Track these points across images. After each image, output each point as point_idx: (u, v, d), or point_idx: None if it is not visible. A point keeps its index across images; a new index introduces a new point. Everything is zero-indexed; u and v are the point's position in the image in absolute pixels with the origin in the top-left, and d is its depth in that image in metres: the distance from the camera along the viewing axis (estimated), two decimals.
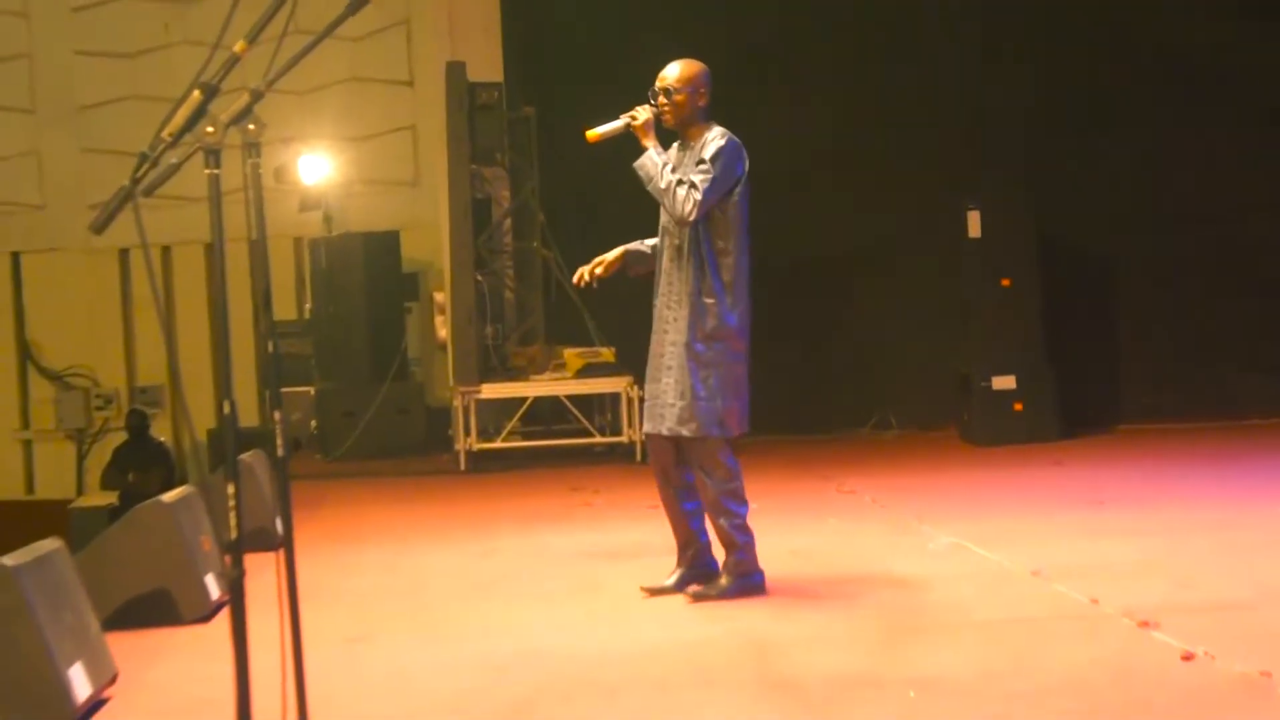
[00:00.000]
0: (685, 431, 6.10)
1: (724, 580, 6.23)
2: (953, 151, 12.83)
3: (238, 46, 3.41)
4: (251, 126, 3.52)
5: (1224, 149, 12.57)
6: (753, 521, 6.26)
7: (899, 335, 13.00)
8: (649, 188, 6.16)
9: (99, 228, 3.39)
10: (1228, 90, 12.51)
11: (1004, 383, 11.84)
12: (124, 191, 3.37)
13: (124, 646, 5.52)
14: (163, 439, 14.43)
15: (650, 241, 6.42)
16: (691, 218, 6.02)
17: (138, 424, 13.87)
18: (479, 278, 12.25)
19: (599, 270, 6.34)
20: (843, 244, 12.95)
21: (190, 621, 6.32)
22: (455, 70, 12.36)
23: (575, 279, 6.41)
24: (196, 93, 3.37)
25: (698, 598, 6.20)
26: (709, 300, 6.10)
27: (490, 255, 13.04)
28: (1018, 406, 11.83)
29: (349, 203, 14.87)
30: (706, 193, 6.00)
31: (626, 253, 6.40)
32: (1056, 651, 5.19)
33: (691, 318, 6.10)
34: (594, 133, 6.25)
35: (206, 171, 3.40)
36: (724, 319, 6.10)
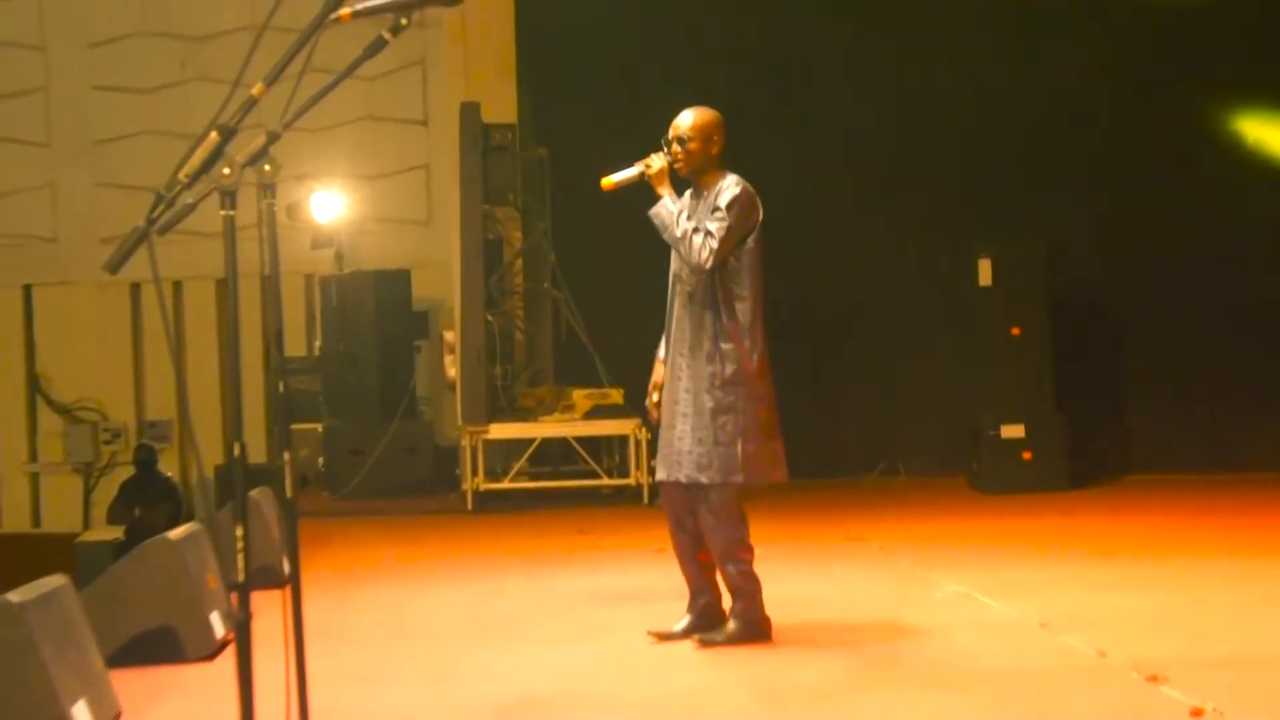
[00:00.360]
0: (704, 479, 6.06)
1: (731, 626, 6.19)
2: (964, 199, 12.86)
3: (255, 89, 3.42)
4: (267, 167, 3.52)
5: (1235, 204, 12.56)
6: (759, 567, 6.23)
7: (908, 382, 13.01)
8: (664, 236, 6.15)
9: (113, 267, 3.40)
10: (1245, 146, 12.51)
11: (1013, 431, 11.82)
12: (139, 231, 3.38)
13: (128, 684, 5.50)
14: (170, 474, 14.42)
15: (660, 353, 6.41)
16: (708, 266, 6.01)
17: (145, 459, 13.85)
18: (489, 318, 12.27)
19: (658, 396, 6.31)
20: (853, 290, 12.99)
21: (194, 659, 6.29)
22: (470, 111, 12.42)
23: (655, 418, 6.35)
24: (214, 134, 3.38)
25: (705, 643, 6.17)
26: (726, 345, 6.07)
27: (501, 295, 13.06)
28: (1027, 455, 11.81)
29: (361, 240, 14.91)
30: (723, 241, 5.99)
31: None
32: (1064, 704, 5.16)
33: (709, 364, 6.07)
34: (609, 181, 6.24)
35: (222, 213, 3.41)
36: (742, 364, 6.07)
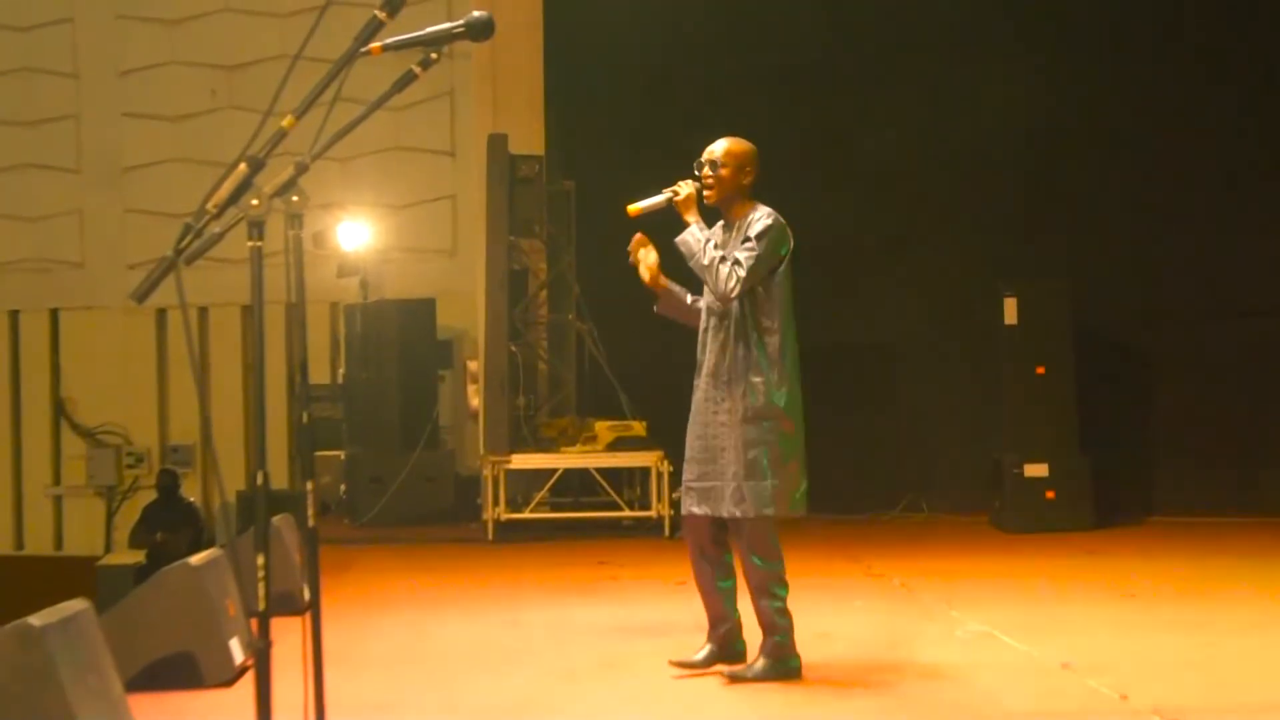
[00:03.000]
0: (739, 512, 6.03)
1: (761, 663, 6.15)
2: (991, 238, 12.86)
3: (286, 122, 3.44)
4: (295, 198, 3.54)
5: (1266, 244, 12.52)
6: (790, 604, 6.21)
7: (932, 419, 13.00)
8: (691, 263, 6.15)
9: (140, 297, 3.41)
10: (1272, 185, 12.48)
11: (1036, 470, 11.78)
12: (166, 261, 3.40)
13: (146, 709, 5.50)
14: (192, 499, 14.46)
15: (691, 297, 6.40)
16: (734, 295, 6.01)
17: (167, 484, 13.90)
18: (513, 348, 12.29)
19: (650, 258, 6.29)
20: (878, 327, 12.99)
21: (213, 685, 6.29)
22: (497, 142, 12.46)
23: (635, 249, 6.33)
24: (243, 165, 3.40)
25: (734, 678, 6.13)
26: (756, 379, 6.05)
27: (525, 326, 13.08)
28: (1050, 494, 11.76)
29: (386, 269, 14.96)
30: (750, 270, 5.99)
31: (671, 288, 6.37)
32: None
33: (739, 396, 6.06)
34: (635, 207, 6.23)
35: (249, 244, 3.43)
36: (771, 397, 6.06)
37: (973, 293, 12.45)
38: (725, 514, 6.07)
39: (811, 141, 12.98)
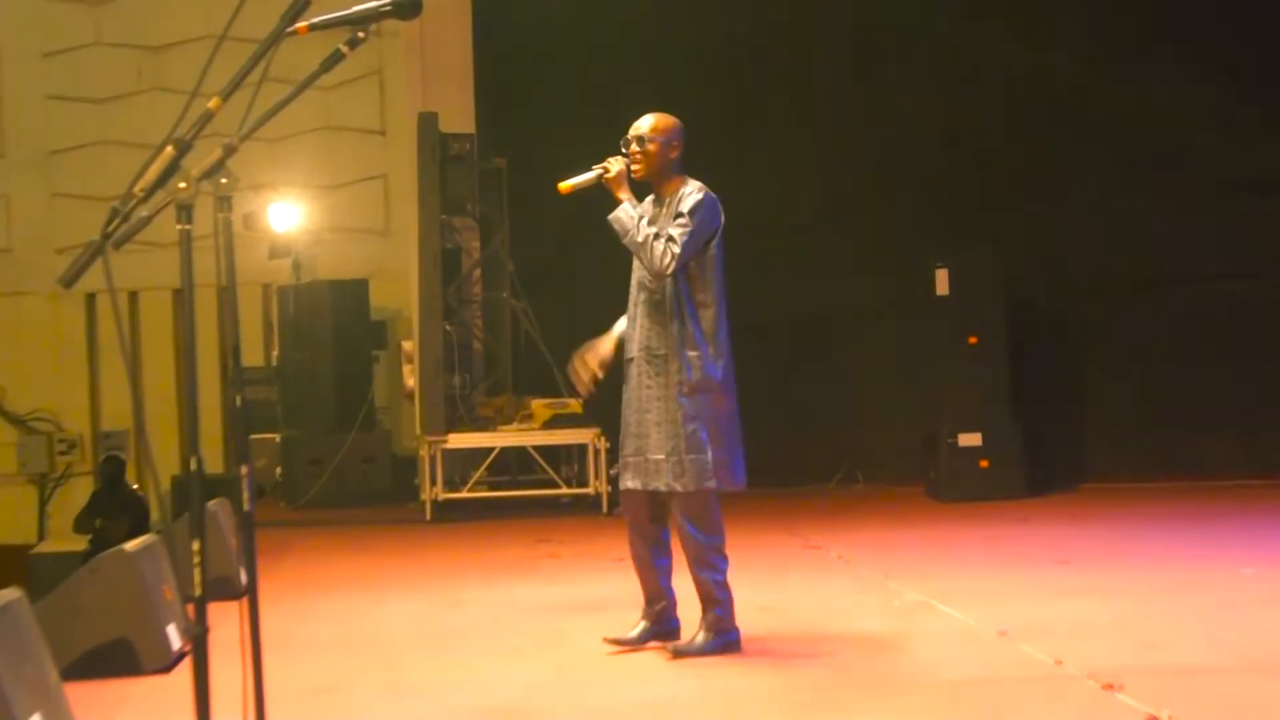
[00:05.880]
0: (679, 486, 6.03)
1: (702, 637, 6.17)
2: (921, 210, 12.94)
3: (212, 103, 3.41)
4: (224, 180, 3.51)
5: (1190, 214, 12.67)
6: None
7: (866, 391, 13.08)
8: (624, 241, 6.13)
9: (68, 282, 3.38)
10: (1197, 157, 12.62)
11: (970, 440, 11.87)
12: (94, 246, 3.36)
13: (83, 697, 5.44)
14: (136, 487, 14.32)
15: (615, 333, 6.38)
16: (669, 271, 6.00)
17: (111, 471, 13.71)
18: (448, 327, 12.25)
19: (599, 371, 6.28)
20: (811, 300, 13.04)
21: (151, 672, 6.26)
22: (427, 121, 12.41)
23: (585, 390, 6.35)
24: (169, 148, 3.37)
25: (677, 654, 6.13)
26: (692, 353, 6.06)
27: (459, 305, 13.05)
28: (984, 463, 11.86)
29: (318, 250, 14.87)
30: (685, 247, 5.98)
31: (619, 339, 6.33)
32: (1021, 713, 5.19)
33: (675, 371, 6.07)
34: (566, 184, 6.21)
35: (178, 227, 3.40)
36: (707, 371, 6.06)
37: (905, 264, 12.52)
38: (663, 487, 6.08)
39: (742, 116, 13.02)
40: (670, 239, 5.99)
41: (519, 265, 12.85)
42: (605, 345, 6.34)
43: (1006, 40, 12.85)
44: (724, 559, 6.17)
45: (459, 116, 13.12)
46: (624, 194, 6.16)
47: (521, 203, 12.98)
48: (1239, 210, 12.62)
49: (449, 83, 13.44)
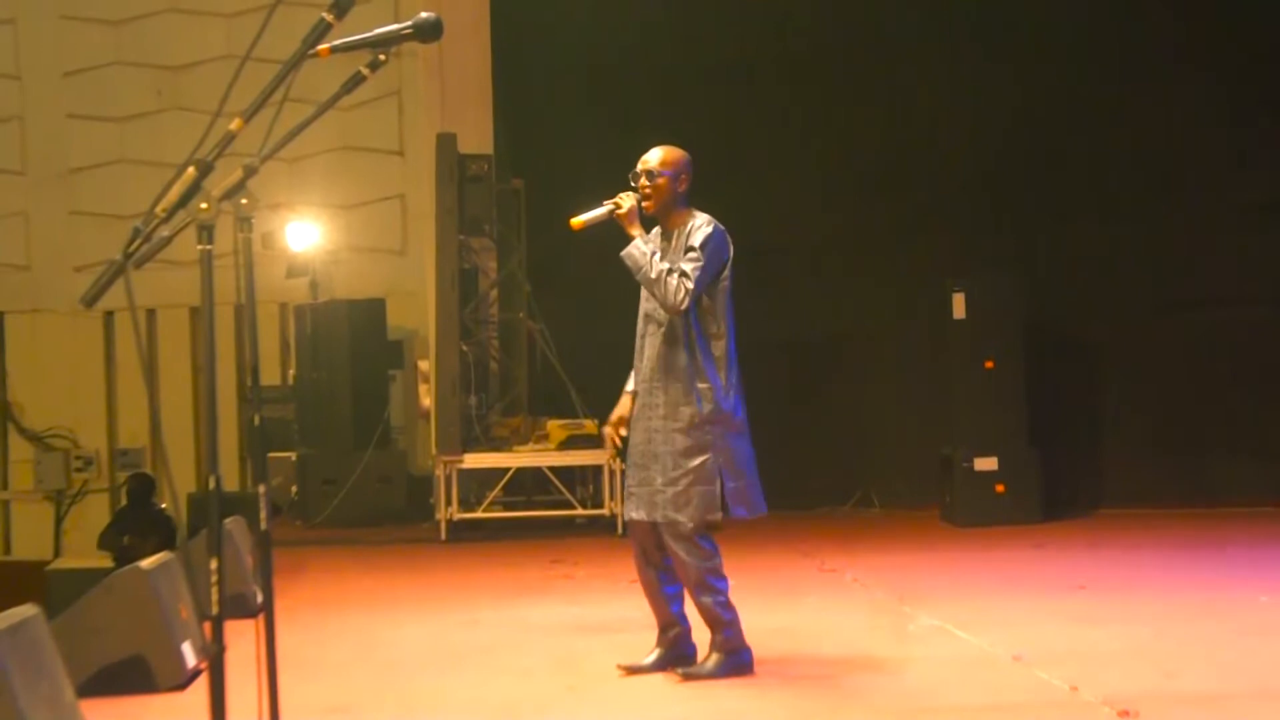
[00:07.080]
0: (682, 517, 6.02)
1: (713, 660, 6.15)
2: (939, 233, 12.93)
3: (234, 124, 3.43)
4: (244, 201, 3.53)
5: (1208, 238, 12.66)
6: (734, 598, 6.23)
7: (883, 414, 13.05)
8: (637, 276, 6.12)
9: (90, 301, 3.40)
10: (1215, 181, 12.62)
11: (986, 464, 11.85)
12: (115, 266, 3.38)
13: (98, 715, 5.46)
14: (164, 505, 14.30)
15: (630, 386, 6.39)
16: (684, 306, 5.99)
17: (137, 489, 13.67)
18: (464, 348, 12.27)
19: (623, 429, 6.29)
20: (828, 323, 13.05)
21: (166, 690, 6.26)
22: (446, 142, 12.44)
23: (611, 447, 6.35)
24: (191, 169, 3.39)
25: (688, 676, 6.13)
26: (703, 385, 6.05)
27: (476, 325, 13.07)
28: (999, 488, 11.83)
29: (336, 270, 14.90)
30: (698, 281, 5.98)
31: (635, 394, 6.34)
32: None
33: (686, 403, 6.05)
34: (578, 220, 6.21)
35: (199, 247, 3.41)
36: (720, 403, 6.06)
37: (922, 288, 12.52)
38: (661, 519, 6.06)
39: (760, 139, 13.03)
40: (684, 274, 5.99)
41: (536, 286, 12.87)
42: (623, 407, 6.34)
43: (1025, 62, 12.85)
44: (723, 579, 6.15)
45: (477, 137, 13.16)
46: (636, 230, 6.16)
47: (539, 224, 13.00)
48: (1257, 235, 12.61)
49: (467, 104, 13.48)
